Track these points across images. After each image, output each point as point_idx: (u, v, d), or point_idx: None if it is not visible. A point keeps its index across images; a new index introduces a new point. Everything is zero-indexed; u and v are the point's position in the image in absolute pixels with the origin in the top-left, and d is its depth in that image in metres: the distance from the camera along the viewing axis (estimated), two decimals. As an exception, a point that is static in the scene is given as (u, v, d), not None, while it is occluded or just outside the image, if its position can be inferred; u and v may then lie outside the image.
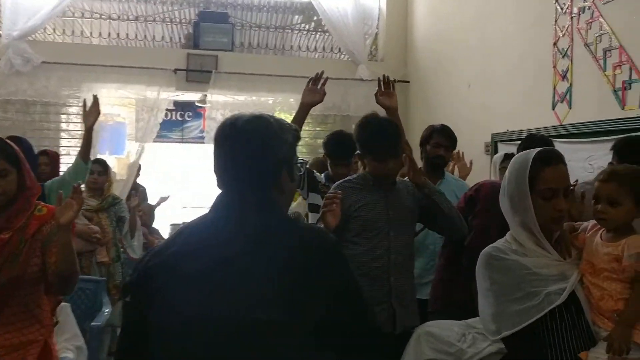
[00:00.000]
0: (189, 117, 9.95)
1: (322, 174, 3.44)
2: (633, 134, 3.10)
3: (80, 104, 6.52)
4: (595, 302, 1.75)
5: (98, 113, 3.60)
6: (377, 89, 3.24)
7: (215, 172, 1.48)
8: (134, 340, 1.40)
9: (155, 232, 5.75)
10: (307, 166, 3.38)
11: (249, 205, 1.40)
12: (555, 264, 1.80)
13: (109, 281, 4.22)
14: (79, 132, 6.68)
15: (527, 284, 1.74)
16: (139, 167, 7.88)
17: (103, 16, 6.98)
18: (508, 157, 4.17)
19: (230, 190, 1.45)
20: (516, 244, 1.83)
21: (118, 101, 7.20)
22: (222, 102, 7.17)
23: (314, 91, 3.09)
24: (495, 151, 5.04)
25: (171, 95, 6.99)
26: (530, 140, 2.90)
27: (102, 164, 4.41)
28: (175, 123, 10.05)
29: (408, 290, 2.55)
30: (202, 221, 1.46)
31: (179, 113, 9.83)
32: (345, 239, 2.54)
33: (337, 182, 2.63)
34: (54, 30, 6.90)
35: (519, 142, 3.23)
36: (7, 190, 2.24)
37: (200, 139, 9.24)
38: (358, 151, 2.64)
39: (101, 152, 8.92)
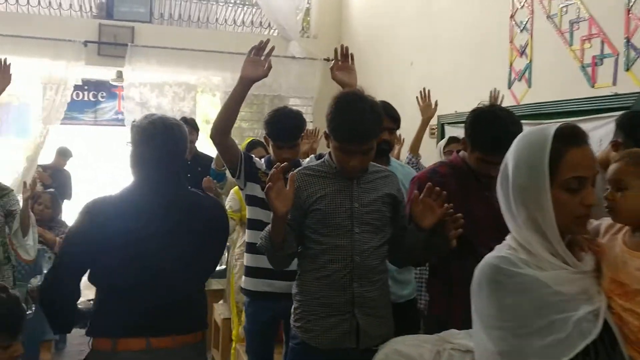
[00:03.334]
0: (102, 97, 9.17)
1: (262, 160, 2.89)
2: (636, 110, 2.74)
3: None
4: (634, 334, 1.31)
5: (8, 80, 2.87)
6: (332, 62, 2.68)
7: (138, 157, 2.02)
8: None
9: (62, 224, 4.97)
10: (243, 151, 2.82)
11: (163, 182, 2.01)
12: (576, 278, 1.35)
13: (-2, 288, 3.51)
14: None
15: (550, 309, 1.27)
16: (68, 155, 7.09)
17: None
18: (453, 140, 3.80)
19: (148, 171, 2.01)
20: (524, 251, 1.37)
21: (23, 78, 6.32)
22: (140, 82, 6.43)
23: (257, 63, 2.50)
24: (442, 134, 4.66)
25: (81, 70, 6.18)
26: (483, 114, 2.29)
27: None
28: (87, 104, 9.24)
29: (377, 297, 2.07)
30: (117, 195, 2.01)
31: (91, 93, 9.08)
32: (303, 236, 2.08)
33: (295, 170, 2.06)
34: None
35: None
36: None
37: (116, 121, 8.48)
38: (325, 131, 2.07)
39: (5, 135, 8.02)
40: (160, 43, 6.21)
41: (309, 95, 6.69)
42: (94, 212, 1.93)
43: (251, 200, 2.81)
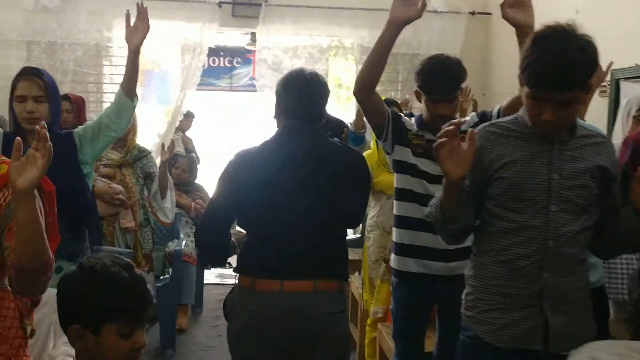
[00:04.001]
0: (237, 63, 9.30)
1: (412, 119, 2.50)
2: None
3: (111, 45, 5.85)
4: None
5: (146, 29, 2.59)
6: (477, 15, 2.20)
7: (283, 108, 2.16)
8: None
9: (199, 189, 4.94)
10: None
11: (300, 129, 2.13)
12: None
13: (136, 250, 3.47)
14: (116, 77, 5.92)
15: None
16: (191, 117, 7.18)
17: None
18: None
19: (286, 120, 2.16)
20: None
21: (162, 42, 6.35)
22: (273, 44, 6.21)
23: (408, 1, 2.10)
24: (617, 92, 3.96)
25: (214, 34, 6.07)
26: None
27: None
28: (223, 69, 9.43)
29: (572, 292, 1.63)
30: (259, 146, 2.16)
31: (227, 59, 9.23)
32: (483, 208, 1.71)
33: (449, 125, 1.65)
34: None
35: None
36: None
37: (251, 87, 8.46)
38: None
39: (147, 101, 8.26)
40: (294, 2, 5.95)
41: (451, 54, 6.11)
42: (237, 163, 2.15)
43: (400, 167, 2.44)
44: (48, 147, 1.37)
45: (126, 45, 5.58)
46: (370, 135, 3.82)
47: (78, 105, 4.41)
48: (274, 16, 5.96)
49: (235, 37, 7.05)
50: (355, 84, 2.33)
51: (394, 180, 2.51)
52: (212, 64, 9.42)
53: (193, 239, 4.45)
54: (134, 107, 2.61)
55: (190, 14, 5.81)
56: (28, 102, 2.36)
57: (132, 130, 3.60)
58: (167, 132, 5.98)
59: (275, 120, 2.18)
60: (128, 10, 2.58)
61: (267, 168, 2.05)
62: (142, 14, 2.53)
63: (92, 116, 3.97)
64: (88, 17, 5.66)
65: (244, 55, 8.34)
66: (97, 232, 2.77)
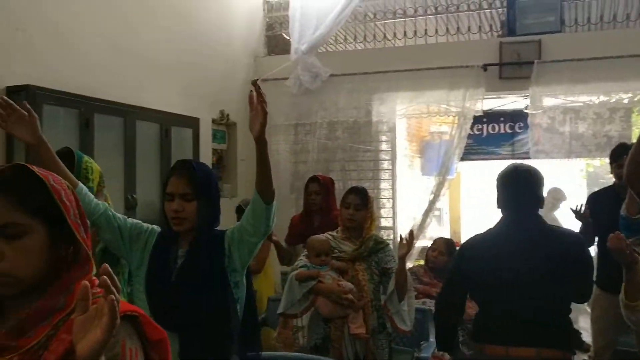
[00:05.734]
0: (519, 128, 8.57)
1: None
2: None
3: (370, 120, 5.64)
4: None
5: (264, 113, 1.98)
6: None
7: (498, 199, 2.53)
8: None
9: None
10: None
11: (522, 220, 2.45)
12: None
13: (367, 361, 2.93)
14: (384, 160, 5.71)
15: None
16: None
17: (397, 14, 5.87)
18: None
19: (513, 212, 2.48)
20: None
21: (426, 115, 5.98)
22: (549, 104, 5.32)
23: None
24: None
25: (480, 99, 5.44)
26: None
27: (360, 193, 3.15)
28: (504, 136, 8.80)
29: None
30: (486, 233, 2.56)
31: (507, 124, 8.60)
32: None
33: None
34: (344, 39, 6.09)
35: None
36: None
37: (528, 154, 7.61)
38: None
39: (428, 174, 7.91)
40: (573, 55, 5.03)
41: None
42: (466, 250, 2.61)
43: None
44: (110, 301, 0.92)
45: (386, 121, 5.38)
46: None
47: (326, 186, 4.19)
48: (550, 74, 5.10)
49: (515, 99, 6.36)
50: (625, 166, 2.13)
51: None
52: (491, 131, 8.81)
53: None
54: (270, 211, 2.06)
55: (451, 82, 5.31)
56: (175, 200, 2.06)
57: (368, 218, 3.15)
58: (427, 211, 5.48)
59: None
60: (256, 81, 2.07)
61: (492, 254, 2.43)
62: (258, 95, 1.97)
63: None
64: (347, 96, 5.58)
65: (526, 120, 7.57)
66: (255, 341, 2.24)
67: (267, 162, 2.04)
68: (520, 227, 2.43)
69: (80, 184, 2.04)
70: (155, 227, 2.21)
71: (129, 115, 4.14)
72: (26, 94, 3.26)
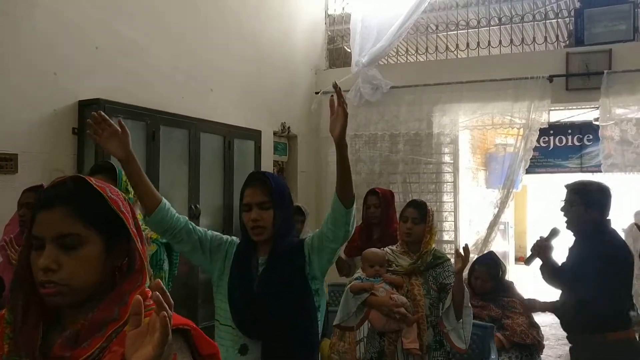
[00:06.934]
0: (588, 140, 8.34)
1: None
2: None
3: (431, 131, 5.57)
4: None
5: (344, 116, 1.93)
6: None
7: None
8: None
9: (508, 291, 3.96)
10: None
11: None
12: None
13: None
14: (447, 172, 5.63)
15: None
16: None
17: (460, 26, 5.80)
18: None
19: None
20: None
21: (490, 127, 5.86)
22: (620, 116, 5.10)
23: None
24: None
25: (547, 110, 5.28)
26: None
27: (419, 206, 3.11)
28: (572, 149, 8.58)
29: None
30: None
31: (576, 137, 8.39)
32: None
33: None
34: (406, 51, 6.06)
35: None
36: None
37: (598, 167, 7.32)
38: None
39: (492, 187, 7.72)
40: (646, 64, 4.82)
41: None
42: (629, 255, 2.91)
43: None
44: (162, 318, 0.95)
45: (447, 133, 5.31)
46: None
47: (386, 199, 4.15)
48: (621, 85, 4.91)
49: (583, 111, 6.15)
50: None
51: None
52: (558, 144, 8.57)
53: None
54: (350, 215, 2.03)
55: (515, 93, 5.19)
56: (253, 209, 2.10)
57: (427, 232, 3.11)
58: (491, 226, 5.35)
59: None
60: (335, 82, 1.98)
61: None
62: (339, 96, 1.92)
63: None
64: (408, 108, 5.55)
65: (595, 132, 7.34)
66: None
67: (347, 166, 2.01)
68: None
69: (164, 199, 2.09)
70: (234, 238, 2.25)
71: (193, 127, 4.26)
72: (97, 107, 3.40)
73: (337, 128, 1.95)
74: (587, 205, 2.87)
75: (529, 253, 3.14)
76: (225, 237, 2.24)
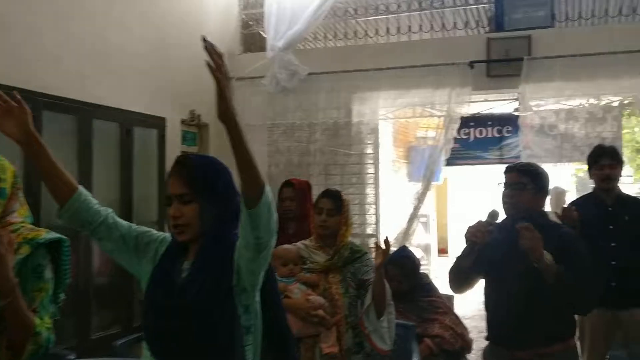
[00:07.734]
0: (507, 132, 8.33)
1: None
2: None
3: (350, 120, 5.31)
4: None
5: (227, 82, 1.56)
6: None
7: None
8: None
9: (427, 291, 3.62)
10: None
11: None
12: None
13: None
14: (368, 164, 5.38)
15: None
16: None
17: (380, 11, 5.57)
18: None
19: None
20: None
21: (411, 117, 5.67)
22: (540, 104, 5.02)
23: None
24: None
25: (468, 98, 5.14)
26: None
27: (334, 196, 2.81)
28: (492, 140, 8.55)
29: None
30: None
31: (495, 128, 8.36)
32: None
33: None
34: (324, 36, 5.77)
35: None
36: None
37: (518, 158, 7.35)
38: None
39: (414, 180, 7.58)
40: (565, 51, 4.74)
41: None
42: None
43: None
44: None
45: (367, 122, 5.05)
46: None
47: (302, 191, 3.83)
48: (540, 72, 4.81)
49: (503, 103, 6.09)
50: None
51: None
52: (478, 135, 8.55)
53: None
54: (257, 216, 1.54)
55: (436, 80, 5.00)
56: (173, 204, 1.69)
57: (343, 224, 2.81)
58: (411, 218, 5.16)
59: None
60: (204, 36, 1.52)
61: None
62: (213, 57, 1.48)
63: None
64: (326, 96, 5.26)
65: (514, 123, 7.33)
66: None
67: (245, 152, 1.51)
68: None
69: (81, 188, 1.75)
70: (167, 235, 1.81)
71: (83, 113, 3.77)
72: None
73: (219, 100, 1.53)
74: (539, 188, 2.52)
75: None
76: (157, 234, 1.83)
